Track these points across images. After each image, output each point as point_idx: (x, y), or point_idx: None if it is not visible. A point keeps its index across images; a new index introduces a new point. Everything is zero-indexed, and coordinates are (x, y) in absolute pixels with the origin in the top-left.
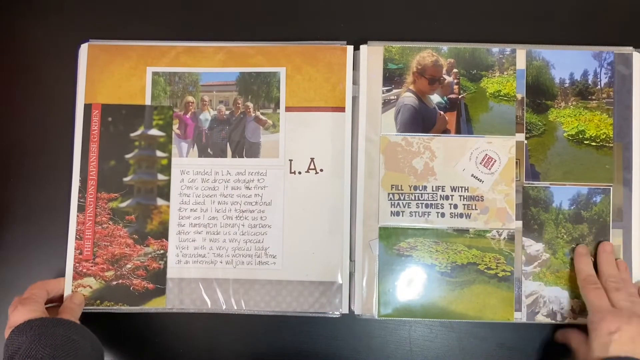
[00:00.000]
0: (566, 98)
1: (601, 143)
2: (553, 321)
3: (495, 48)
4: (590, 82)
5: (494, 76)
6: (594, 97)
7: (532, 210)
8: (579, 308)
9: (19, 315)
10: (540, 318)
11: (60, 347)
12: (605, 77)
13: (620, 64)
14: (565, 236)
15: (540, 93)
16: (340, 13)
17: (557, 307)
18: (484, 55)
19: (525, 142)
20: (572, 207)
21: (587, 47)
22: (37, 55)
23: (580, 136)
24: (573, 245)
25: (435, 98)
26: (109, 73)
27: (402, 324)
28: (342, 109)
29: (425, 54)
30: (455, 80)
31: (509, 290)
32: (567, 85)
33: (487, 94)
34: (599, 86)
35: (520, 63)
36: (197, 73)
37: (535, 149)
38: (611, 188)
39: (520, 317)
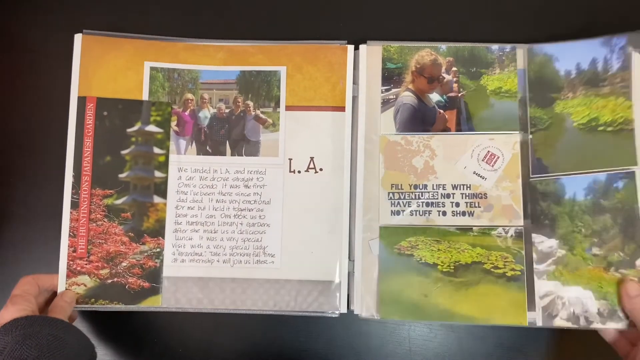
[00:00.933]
0: (574, 88)
1: (619, 127)
2: (575, 326)
3: (494, 46)
4: (600, 69)
5: (494, 73)
6: (605, 83)
7: (541, 205)
8: (607, 311)
9: (7, 314)
10: (560, 322)
11: (46, 346)
12: (618, 62)
13: (634, 46)
14: (583, 230)
15: (544, 87)
16: (341, 12)
17: (579, 309)
18: (484, 53)
19: (530, 136)
20: (589, 197)
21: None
22: (33, 47)
23: (594, 123)
24: (594, 239)
25: (435, 97)
26: (104, 65)
27: (402, 324)
28: (342, 109)
29: (424, 52)
30: (455, 79)
31: (520, 290)
32: (573, 76)
33: (488, 91)
34: (611, 72)
35: (521, 62)
36: (197, 70)
37: (541, 142)
38: (636, 171)
39: (535, 320)
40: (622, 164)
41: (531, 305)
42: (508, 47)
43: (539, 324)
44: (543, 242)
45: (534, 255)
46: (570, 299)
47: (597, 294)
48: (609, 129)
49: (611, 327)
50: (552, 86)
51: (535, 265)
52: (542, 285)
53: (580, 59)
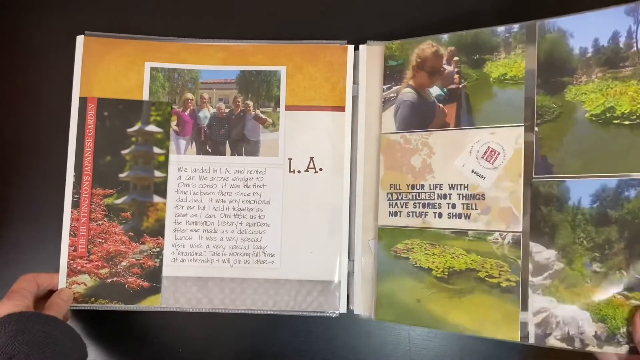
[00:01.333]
0: (589, 70)
1: (638, 121)
2: (570, 347)
3: (500, 27)
4: (622, 45)
5: (499, 58)
6: (627, 64)
7: (542, 210)
8: (605, 335)
9: (3, 308)
10: (553, 342)
11: (37, 343)
12: None
13: None
14: (585, 242)
15: (554, 70)
16: (341, 12)
17: (574, 330)
18: (488, 37)
19: (536, 129)
20: (595, 205)
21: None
22: (34, 48)
23: (608, 115)
24: (596, 254)
25: (435, 91)
26: (105, 66)
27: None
28: (342, 109)
29: (425, 45)
30: (456, 69)
31: (514, 304)
32: (589, 54)
33: (491, 79)
34: (634, 48)
35: (530, 41)
36: (197, 70)
37: (548, 136)
38: None
39: (528, 337)
40: (636, 168)
41: (524, 320)
42: (516, 26)
43: (532, 341)
44: (541, 253)
45: (530, 267)
46: (565, 318)
47: (595, 315)
48: (626, 122)
49: (609, 352)
50: (565, 68)
51: (530, 278)
52: (536, 300)
53: (599, 34)
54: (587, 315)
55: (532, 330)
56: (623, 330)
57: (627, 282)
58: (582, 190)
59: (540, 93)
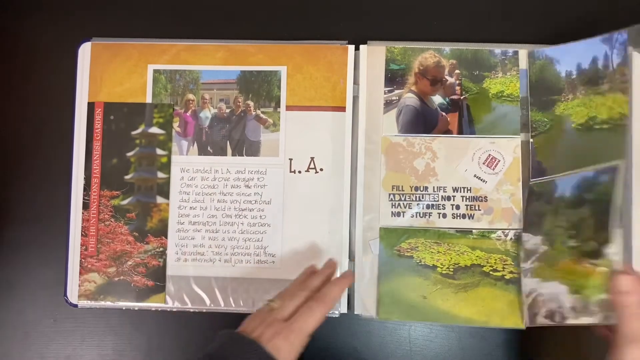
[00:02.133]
0: (574, 89)
1: (615, 123)
2: (552, 323)
3: (497, 49)
4: (600, 66)
5: (497, 77)
6: (605, 80)
7: (534, 205)
8: (581, 306)
9: (280, 342)
10: (541, 320)
11: None
12: (618, 58)
13: (634, 45)
14: (564, 223)
15: (545, 91)
16: (341, 13)
17: (555, 305)
18: (487, 57)
19: (531, 140)
20: (575, 193)
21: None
22: (37, 53)
23: (591, 122)
24: (572, 232)
25: (437, 99)
26: (111, 71)
27: (402, 324)
28: (342, 109)
29: (427, 55)
30: (457, 81)
31: (517, 293)
32: (574, 76)
33: (490, 94)
34: (611, 68)
35: (523, 65)
36: (198, 71)
37: (542, 145)
38: (619, 164)
39: (525, 321)
40: (611, 159)
41: (522, 305)
42: (510, 51)
43: (527, 324)
44: (529, 241)
45: (522, 254)
46: (548, 295)
47: (570, 287)
48: (605, 126)
49: (584, 323)
50: (553, 89)
51: (521, 264)
52: (527, 284)
53: (581, 59)
54: (564, 289)
55: (525, 313)
56: (594, 298)
57: (595, 251)
58: (566, 184)
59: (533, 110)
